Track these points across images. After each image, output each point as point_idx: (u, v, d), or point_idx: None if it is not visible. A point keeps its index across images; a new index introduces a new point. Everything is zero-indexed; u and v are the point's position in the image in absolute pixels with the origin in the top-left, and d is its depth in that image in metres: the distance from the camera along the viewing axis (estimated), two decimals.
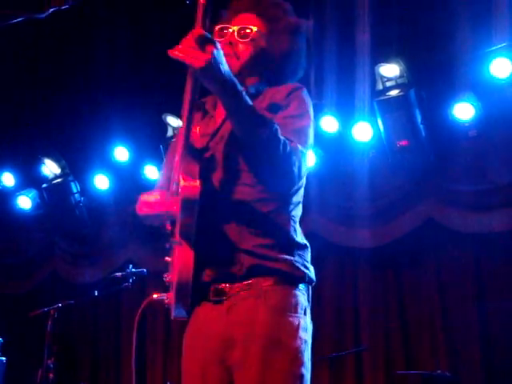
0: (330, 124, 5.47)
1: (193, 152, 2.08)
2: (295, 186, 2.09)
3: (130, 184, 6.51)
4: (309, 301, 2.15)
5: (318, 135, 4.95)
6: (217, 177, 2.12)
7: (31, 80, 6.05)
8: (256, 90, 2.25)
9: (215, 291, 2.08)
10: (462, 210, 5.33)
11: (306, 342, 2.06)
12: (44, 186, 6.69)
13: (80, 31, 5.36)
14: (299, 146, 2.03)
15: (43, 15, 1.63)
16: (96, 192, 6.66)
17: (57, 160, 6.59)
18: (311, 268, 2.17)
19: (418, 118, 5.25)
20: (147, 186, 6.41)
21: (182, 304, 2.04)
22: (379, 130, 5.38)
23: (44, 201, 6.80)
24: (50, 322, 4.58)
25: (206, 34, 1.85)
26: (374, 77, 5.24)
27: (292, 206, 2.17)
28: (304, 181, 2.19)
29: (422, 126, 5.27)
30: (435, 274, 5.58)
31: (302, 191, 2.22)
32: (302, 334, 2.05)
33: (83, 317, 6.96)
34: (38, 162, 6.64)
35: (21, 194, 6.84)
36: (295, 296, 2.08)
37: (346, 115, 5.49)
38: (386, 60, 5.15)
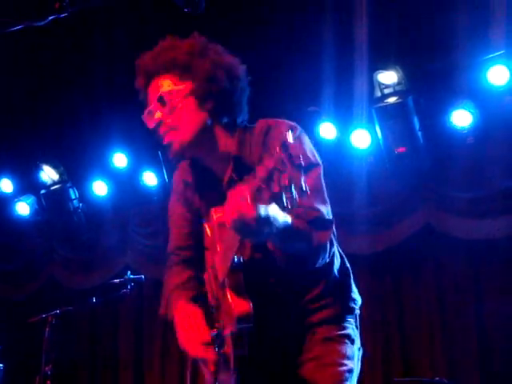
0: (328, 131, 5.48)
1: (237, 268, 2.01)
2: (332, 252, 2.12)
3: (129, 190, 6.52)
4: (357, 326, 2.26)
5: (317, 142, 4.96)
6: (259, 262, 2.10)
7: (30, 86, 6.05)
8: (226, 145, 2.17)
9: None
10: (459, 216, 5.34)
11: (351, 369, 2.16)
12: (42, 192, 6.69)
13: (79, 38, 5.37)
14: (324, 211, 2.03)
15: (42, 23, 1.63)
16: (94, 198, 6.66)
17: (55, 166, 6.60)
18: (355, 294, 2.28)
19: (416, 125, 5.26)
20: (146, 192, 6.43)
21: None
22: (377, 136, 5.39)
23: (42, 207, 6.80)
24: (47, 329, 4.57)
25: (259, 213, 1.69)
26: (372, 84, 5.25)
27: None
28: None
29: (419, 133, 5.29)
30: (433, 279, 5.59)
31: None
32: (346, 361, 2.15)
33: (81, 323, 6.95)
34: (37, 168, 6.64)
35: (19, 200, 6.84)
36: (342, 329, 2.19)
37: (345, 122, 5.50)
38: (384, 67, 5.17)
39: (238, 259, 1.96)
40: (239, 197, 1.66)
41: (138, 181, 6.37)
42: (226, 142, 2.17)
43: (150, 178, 6.32)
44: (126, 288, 4.58)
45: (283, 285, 2.12)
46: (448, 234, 5.39)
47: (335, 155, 5.65)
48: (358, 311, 2.30)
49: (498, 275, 5.31)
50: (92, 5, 1.71)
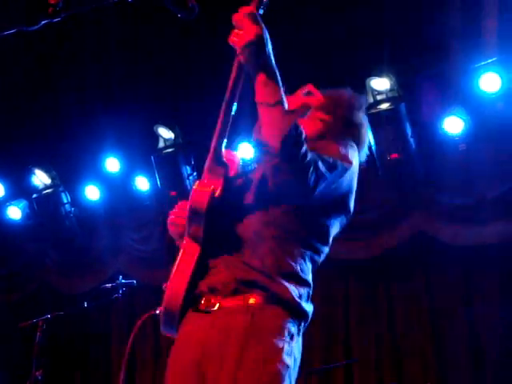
0: None
1: (219, 160, 2.15)
2: (308, 197, 2.08)
3: (121, 195, 6.51)
4: (299, 332, 2.13)
5: None
6: (244, 189, 2.20)
7: (22, 91, 6.04)
8: None
9: (205, 302, 2.09)
10: (451, 222, 5.36)
11: (287, 366, 2.02)
12: (34, 196, 6.67)
13: (71, 42, 5.37)
14: (324, 160, 2.08)
15: (35, 27, 1.64)
16: (87, 203, 6.64)
17: (47, 170, 6.58)
18: (307, 304, 2.16)
19: (409, 132, 5.28)
20: (138, 197, 6.43)
21: (169, 325, 2.12)
22: (370, 143, 5.40)
23: (34, 211, 6.78)
24: (38, 334, 4.55)
25: (258, 14, 2.02)
26: (364, 90, 5.27)
27: (312, 248, 2.21)
28: (332, 231, 2.31)
29: (412, 140, 5.31)
30: (425, 286, 5.60)
31: (328, 239, 2.29)
32: (284, 357, 2.01)
33: (73, 328, 6.92)
34: (29, 172, 6.63)
35: (11, 205, 6.82)
36: (283, 319, 2.06)
37: None
38: (377, 74, 5.18)
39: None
40: None
41: (131, 185, 6.36)
42: None
43: (142, 183, 6.31)
44: (118, 293, 4.56)
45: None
46: (439, 240, 5.40)
47: None
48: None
49: (489, 281, 5.33)
50: (85, 9, 1.71)
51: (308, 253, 2.19)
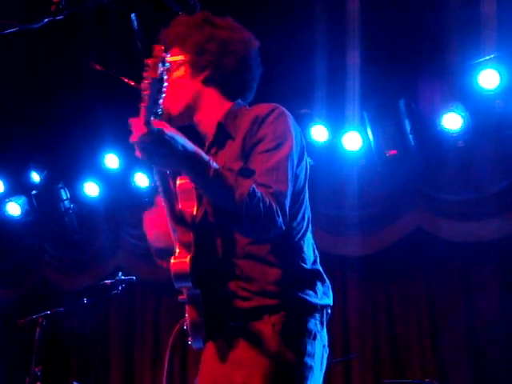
0: (319, 133, 5.50)
1: (183, 219, 2.07)
2: (284, 228, 2.01)
3: (120, 191, 6.51)
4: (322, 323, 2.15)
5: (308, 144, 4.98)
6: (213, 228, 2.11)
7: (21, 88, 6.03)
8: (234, 114, 2.21)
9: (228, 328, 2.10)
10: (450, 218, 5.37)
11: (311, 367, 2.05)
12: (33, 192, 6.67)
13: (70, 39, 5.36)
14: (277, 190, 1.97)
15: (37, 25, 1.64)
16: (86, 199, 6.65)
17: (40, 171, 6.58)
18: (324, 294, 2.17)
19: (407, 128, 5.29)
20: (137, 193, 6.43)
21: (196, 342, 2.14)
22: (369, 139, 5.41)
23: (33, 207, 6.78)
24: (38, 330, 4.55)
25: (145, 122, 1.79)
26: (363, 87, 5.27)
27: (294, 236, 2.14)
28: (302, 204, 2.16)
29: (411, 136, 5.32)
30: (424, 282, 5.62)
31: (301, 215, 2.17)
32: (307, 360, 2.05)
33: (72, 324, 6.93)
34: (28, 168, 6.63)
35: (10, 201, 6.82)
36: (304, 323, 2.08)
37: (336, 124, 5.52)
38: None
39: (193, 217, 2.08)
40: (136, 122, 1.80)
41: (130, 182, 6.36)
42: (214, 112, 2.24)
43: (141, 179, 6.31)
44: (117, 289, 4.56)
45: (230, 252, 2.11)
46: (439, 236, 5.42)
47: (327, 158, 5.67)
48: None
49: (489, 277, 5.35)
50: (87, 7, 1.71)
51: (292, 241, 2.14)
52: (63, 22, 1.71)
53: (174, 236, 2.08)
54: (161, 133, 1.80)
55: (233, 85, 2.26)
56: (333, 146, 5.60)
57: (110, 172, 6.39)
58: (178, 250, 2.05)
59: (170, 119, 2.19)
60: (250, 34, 2.28)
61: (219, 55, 2.20)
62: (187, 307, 2.10)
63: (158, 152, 1.82)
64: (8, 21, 1.71)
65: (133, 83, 2.26)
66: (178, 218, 2.07)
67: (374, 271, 5.80)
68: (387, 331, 5.66)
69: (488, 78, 4.87)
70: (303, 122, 5.33)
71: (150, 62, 1.74)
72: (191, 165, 1.88)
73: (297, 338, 2.05)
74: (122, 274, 4.63)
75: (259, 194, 1.92)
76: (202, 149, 2.01)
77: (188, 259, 2.01)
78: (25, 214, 6.89)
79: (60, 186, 6.68)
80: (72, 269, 6.95)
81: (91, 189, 6.55)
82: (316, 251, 2.23)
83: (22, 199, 6.85)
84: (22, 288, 7.14)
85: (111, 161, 6.32)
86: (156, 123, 1.78)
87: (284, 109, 2.15)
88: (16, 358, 6.84)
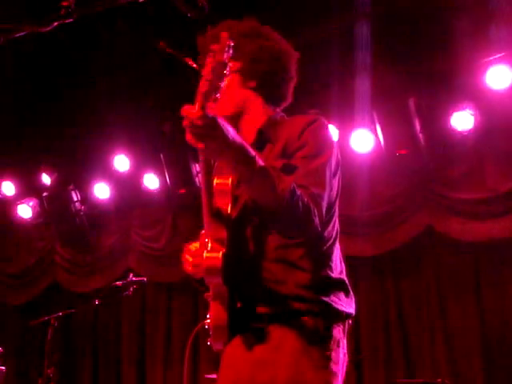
0: None
1: (219, 216, 2.10)
2: (319, 229, 2.06)
3: (131, 193, 6.53)
4: (344, 332, 2.18)
5: None
6: (246, 229, 2.15)
7: (33, 90, 6.07)
8: (273, 121, 2.28)
9: (251, 329, 2.12)
10: (461, 218, 5.34)
11: (335, 374, 2.09)
12: (44, 194, 6.71)
13: (81, 42, 5.39)
14: (315, 192, 2.02)
15: (47, 29, 1.64)
16: (96, 201, 6.67)
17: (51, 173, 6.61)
18: (348, 304, 2.20)
19: (417, 127, 5.27)
20: (147, 195, 6.45)
21: (217, 343, 2.15)
22: (378, 139, 5.40)
23: (44, 210, 6.81)
24: (50, 331, 4.58)
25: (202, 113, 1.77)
26: (372, 86, 5.26)
27: (323, 244, 2.17)
28: (334, 214, 2.20)
29: (420, 135, 5.30)
30: (435, 281, 5.59)
31: (332, 225, 2.21)
32: (332, 366, 2.08)
33: (84, 325, 6.96)
34: (39, 170, 6.66)
35: (21, 203, 6.85)
36: (329, 329, 2.11)
37: (346, 124, 5.51)
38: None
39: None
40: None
41: (140, 184, 6.38)
42: (256, 118, 2.30)
43: (151, 181, 6.33)
44: (128, 290, 4.58)
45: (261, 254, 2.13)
46: (450, 235, 5.39)
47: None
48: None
49: (500, 276, 5.32)
50: (97, 10, 1.72)
51: (322, 249, 2.17)
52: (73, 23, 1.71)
53: (207, 230, 2.10)
54: (215, 118, 1.80)
55: (276, 94, 2.34)
56: (342, 146, 5.58)
57: (120, 174, 6.41)
58: (210, 245, 2.06)
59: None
60: (290, 46, 2.37)
61: (270, 66, 2.28)
62: (212, 304, 2.11)
63: (209, 136, 1.82)
64: (18, 24, 1.72)
65: (195, 66, 2.23)
66: (214, 214, 2.10)
67: (384, 271, 5.78)
68: (398, 331, 5.64)
69: (498, 77, 4.84)
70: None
71: (215, 47, 1.76)
72: (239, 154, 1.89)
73: (322, 343, 2.08)
74: (133, 275, 4.65)
75: (299, 193, 1.96)
76: None
77: (220, 255, 2.03)
78: (36, 216, 6.92)
79: (71, 187, 6.71)
80: (83, 271, 6.98)
81: (102, 190, 6.58)
82: (343, 263, 2.26)
83: (33, 202, 6.87)
84: (33, 290, 7.17)
85: (121, 162, 6.34)
86: (211, 109, 1.78)
87: (325, 120, 2.23)
88: (29, 359, 6.88)
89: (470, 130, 5.16)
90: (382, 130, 5.34)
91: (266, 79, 2.28)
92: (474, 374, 5.24)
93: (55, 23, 1.63)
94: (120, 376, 6.80)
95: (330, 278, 2.16)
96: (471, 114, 5.08)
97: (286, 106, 2.41)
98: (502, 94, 4.94)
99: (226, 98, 2.23)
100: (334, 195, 2.20)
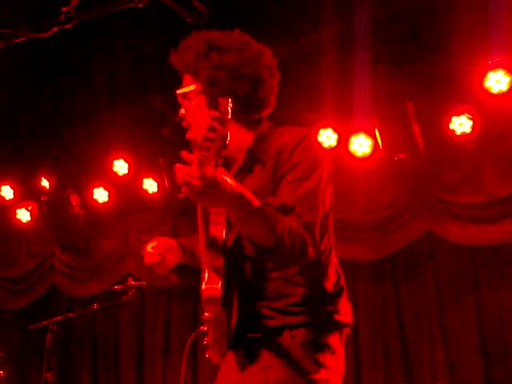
0: (327, 137, 5.49)
1: (214, 245, 2.08)
2: (314, 256, 2.03)
3: (129, 197, 6.53)
4: (341, 341, 2.18)
5: None
6: (242, 254, 2.13)
7: (31, 94, 6.07)
8: (261, 137, 2.21)
9: (248, 342, 2.12)
10: (460, 222, 5.35)
11: (326, 380, 2.09)
12: (43, 198, 6.70)
13: (80, 46, 5.39)
14: (308, 220, 2.00)
15: (46, 34, 1.65)
16: (95, 205, 6.67)
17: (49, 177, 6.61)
18: (345, 312, 2.20)
19: (416, 131, 5.28)
20: (146, 199, 6.45)
21: (214, 357, 2.17)
22: (377, 143, 5.40)
23: (43, 214, 6.80)
24: (48, 336, 4.57)
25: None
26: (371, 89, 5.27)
27: (320, 257, 2.15)
28: (328, 226, 2.18)
29: (419, 139, 5.30)
30: (434, 286, 5.59)
31: (327, 236, 2.19)
32: (323, 371, 2.08)
33: (82, 330, 6.95)
34: (37, 174, 6.65)
35: (20, 207, 6.85)
36: (324, 337, 2.11)
37: (344, 128, 5.52)
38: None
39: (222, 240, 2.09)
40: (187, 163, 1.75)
41: (139, 188, 6.38)
42: (240, 137, 2.22)
43: (150, 185, 6.33)
44: (127, 294, 4.58)
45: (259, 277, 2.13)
46: (448, 240, 5.40)
47: (335, 162, 5.65)
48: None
49: (499, 281, 5.32)
50: (96, 15, 1.72)
51: (318, 261, 2.15)
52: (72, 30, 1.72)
53: (203, 260, 2.10)
54: (214, 177, 1.75)
55: (251, 106, 2.22)
56: (341, 150, 5.59)
57: (119, 178, 6.41)
58: (207, 275, 2.05)
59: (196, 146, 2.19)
60: (258, 46, 2.24)
61: (230, 82, 2.15)
62: (210, 325, 2.13)
63: (208, 195, 1.78)
64: (18, 30, 1.73)
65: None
66: (210, 243, 2.08)
67: (383, 275, 5.78)
68: (397, 336, 5.64)
69: (497, 81, 4.85)
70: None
71: (218, 114, 1.70)
72: (237, 202, 1.86)
73: (316, 351, 2.08)
74: (132, 280, 4.64)
75: (294, 228, 1.94)
76: (229, 170, 2.04)
77: (219, 286, 2.02)
78: (34, 220, 6.91)
79: (69, 191, 6.70)
80: (82, 275, 6.97)
81: (100, 194, 6.57)
82: (339, 268, 2.26)
83: (32, 206, 6.86)
84: (32, 294, 7.16)
85: (120, 166, 6.34)
86: (209, 167, 1.72)
87: (313, 134, 2.22)
88: (27, 363, 6.87)
89: (468, 134, 5.16)
90: (381, 134, 5.34)
91: (233, 95, 2.09)
92: (473, 377, 5.24)
93: (54, 29, 1.63)
94: (119, 381, 6.78)
95: (327, 287, 2.16)
96: (470, 118, 5.09)
97: (272, 111, 2.30)
98: (500, 99, 4.94)
99: (195, 121, 2.19)
100: (327, 208, 2.16)
